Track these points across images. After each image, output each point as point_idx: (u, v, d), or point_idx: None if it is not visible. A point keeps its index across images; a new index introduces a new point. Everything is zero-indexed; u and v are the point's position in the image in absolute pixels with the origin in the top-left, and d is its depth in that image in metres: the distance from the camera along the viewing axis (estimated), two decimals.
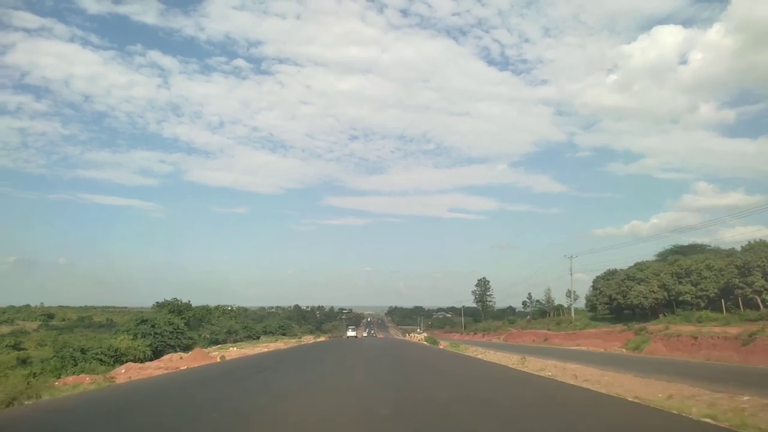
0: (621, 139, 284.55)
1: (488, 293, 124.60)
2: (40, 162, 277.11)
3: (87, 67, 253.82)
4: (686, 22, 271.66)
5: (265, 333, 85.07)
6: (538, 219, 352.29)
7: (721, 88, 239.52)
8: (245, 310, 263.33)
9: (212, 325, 63.00)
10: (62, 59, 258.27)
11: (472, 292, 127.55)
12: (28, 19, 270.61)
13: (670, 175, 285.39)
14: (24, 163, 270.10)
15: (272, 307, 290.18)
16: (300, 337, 76.10)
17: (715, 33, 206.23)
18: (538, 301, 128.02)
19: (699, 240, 65.94)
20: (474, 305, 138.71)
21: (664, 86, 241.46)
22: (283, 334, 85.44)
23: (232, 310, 77.28)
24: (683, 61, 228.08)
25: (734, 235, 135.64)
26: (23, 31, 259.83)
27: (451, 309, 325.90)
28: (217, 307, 78.32)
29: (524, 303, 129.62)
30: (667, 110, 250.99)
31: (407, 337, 68.41)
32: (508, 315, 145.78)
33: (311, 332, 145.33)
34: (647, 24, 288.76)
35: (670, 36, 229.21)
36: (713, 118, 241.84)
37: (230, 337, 59.81)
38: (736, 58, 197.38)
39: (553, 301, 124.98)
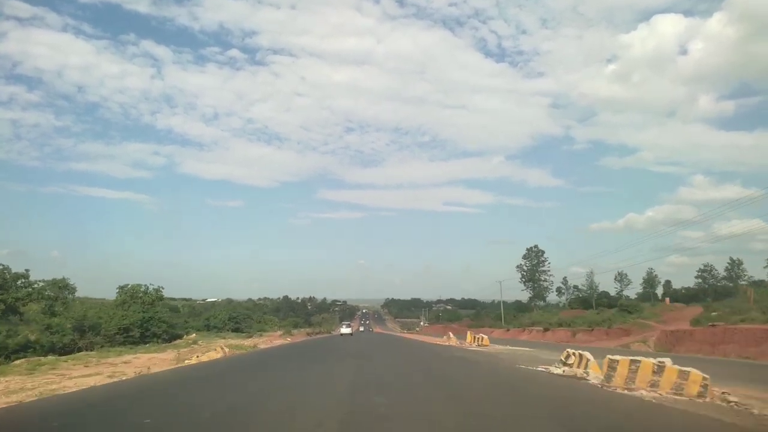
0: (617, 132, 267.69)
1: (542, 268, 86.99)
2: (33, 154, 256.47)
3: (80, 57, 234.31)
4: (687, 12, 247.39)
5: (209, 328, 54.11)
6: (533, 213, 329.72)
7: (719, 79, 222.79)
8: (230, 301, 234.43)
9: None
10: (55, 49, 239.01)
11: (518, 267, 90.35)
12: (20, 7, 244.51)
13: (666, 168, 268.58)
14: (16, 155, 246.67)
15: (260, 299, 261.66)
16: (250, 337, 45.05)
17: (716, 22, 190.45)
18: (575, 287, 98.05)
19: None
20: (495, 297, 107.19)
21: (663, 77, 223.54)
22: (236, 330, 54.59)
23: (130, 300, 44.18)
24: (683, 52, 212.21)
25: (730, 228, 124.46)
26: (15, 20, 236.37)
27: (451, 301, 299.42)
28: (82, 301, 45.09)
29: (559, 289, 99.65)
30: (665, 102, 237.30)
31: (445, 342, 33.54)
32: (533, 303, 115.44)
33: (294, 327, 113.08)
34: (646, 17, 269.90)
35: (670, 25, 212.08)
36: (711, 110, 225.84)
37: (57, 344, 28.55)
38: (736, 48, 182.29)
39: (596, 287, 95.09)
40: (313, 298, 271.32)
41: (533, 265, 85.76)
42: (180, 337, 41.31)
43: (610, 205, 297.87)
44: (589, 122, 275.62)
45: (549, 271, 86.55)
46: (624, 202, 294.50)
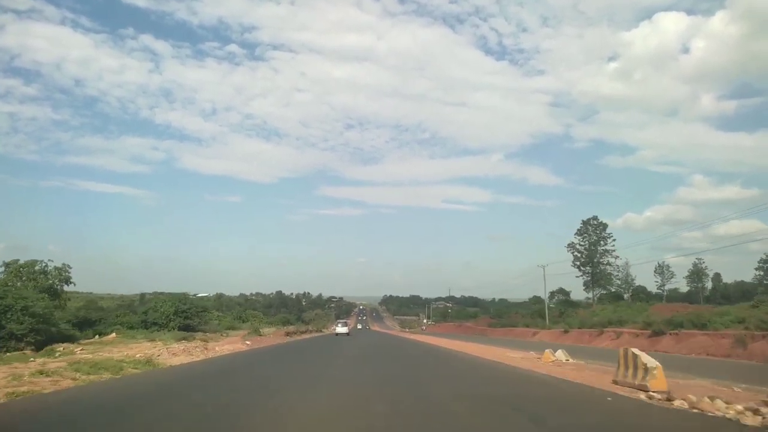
0: (618, 131, 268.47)
1: (604, 246, 63.92)
2: (31, 148, 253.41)
3: (78, 51, 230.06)
4: (689, 10, 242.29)
5: (148, 325, 38.71)
6: (533, 211, 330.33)
7: (720, 79, 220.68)
8: (221, 296, 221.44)
9: None
10: (53, 42, 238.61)
11: (569, 246, 67.46)
12: (18, 0, 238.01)
13: (666, 168, 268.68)
14: (14, 148, 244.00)
15: (252, 294, 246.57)
16: (192, 339, 29.17)
17: (718, 21, 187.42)
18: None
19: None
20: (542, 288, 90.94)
21: (665, 75, 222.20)
22: (185, 328, 39.05)
23: None
24: (685, 50, 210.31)
25: (728, 229, 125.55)
26: (13, 13, 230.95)
27: (451, 298, 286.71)
28: None
29: (587, 284, 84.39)
30: (666, 101, 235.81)
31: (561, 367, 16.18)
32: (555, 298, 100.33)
33: (284, 323, 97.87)
34: (648, 15, 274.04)
35: (672, 23, 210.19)
36: (712, 110, 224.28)
37: None
38: (738, 47, 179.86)
39: (633, 280, 79.18)
40: (308, 293, 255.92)
41: (591, 243, 63.70)
42: (74, 339, 26.07)
43: (610, 204, 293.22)
44: (589, 121, 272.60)
45: (614, 251, 63.38)
46: (623, 202, 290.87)
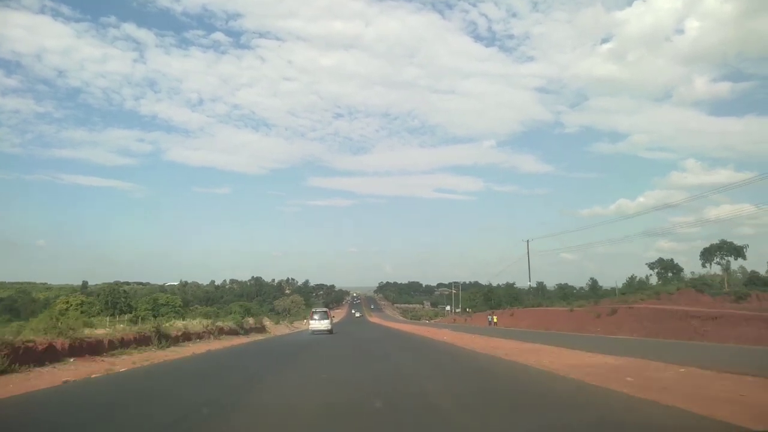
0: (609, 117, 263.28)
1: None
2: (15, 141, 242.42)
3: (59, 40, 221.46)
4: None
5: None
6: (524, 199, 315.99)
7: (714, 60, 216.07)
8: (185, 284, 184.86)
9: None
10: (32, 32, 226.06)
11: None
12: None
13: (658, 154, 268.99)
14: None
15: (227, 281, 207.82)
16: None
17: None
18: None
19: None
20: None
21: (658, 56, 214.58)
22: None
23: None
24: (679, 30, 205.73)
25: (719, 213, 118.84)
26: None
27: (454, 284, 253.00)
28: None
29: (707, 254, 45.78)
30: (658, 85, 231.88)
31: None
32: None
33: (246, 314, 59.39)
34: None
35: (667, 1, 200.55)
36: (704, 93, 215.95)
37: None
38: (734, 25, 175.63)
39: None
40: (292, 280, 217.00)
41: None
42: None
43: (602, 190, 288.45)
44: (580, 107, 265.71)
45: None
46: (615, 188, 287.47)
